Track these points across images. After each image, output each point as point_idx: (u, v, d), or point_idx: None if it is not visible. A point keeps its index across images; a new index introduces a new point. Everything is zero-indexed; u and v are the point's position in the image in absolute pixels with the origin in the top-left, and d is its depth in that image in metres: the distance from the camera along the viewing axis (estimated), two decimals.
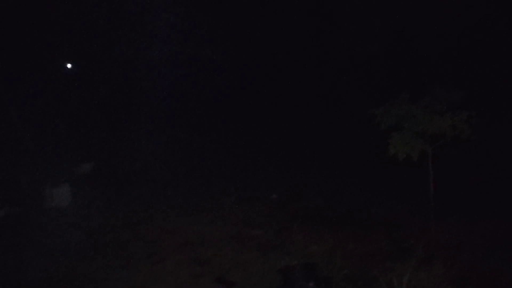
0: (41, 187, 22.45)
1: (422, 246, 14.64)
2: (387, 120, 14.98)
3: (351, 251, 15.80)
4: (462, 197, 18.30)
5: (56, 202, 21.82)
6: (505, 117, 23.64)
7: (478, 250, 14.50)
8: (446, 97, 14.59)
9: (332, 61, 31.87)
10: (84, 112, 30.54)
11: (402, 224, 17.29)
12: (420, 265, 13.14)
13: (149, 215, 20.61)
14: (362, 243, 16.36)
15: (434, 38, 25.64)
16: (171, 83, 32.86)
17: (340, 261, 14.75)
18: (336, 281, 12.80)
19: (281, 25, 32.99)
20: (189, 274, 14.51)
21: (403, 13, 27.63)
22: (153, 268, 15.17)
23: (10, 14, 27.63)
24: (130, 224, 19.56)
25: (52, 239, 18.10)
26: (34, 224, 19.95)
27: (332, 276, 13.23)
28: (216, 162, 27.30)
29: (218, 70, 33.56)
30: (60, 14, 30.10)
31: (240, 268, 14.73)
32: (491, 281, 12.39)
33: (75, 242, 17.67)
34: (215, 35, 33.98)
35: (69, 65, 32.62)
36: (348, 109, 28.45)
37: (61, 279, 14.52)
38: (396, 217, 18.23)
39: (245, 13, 33.94)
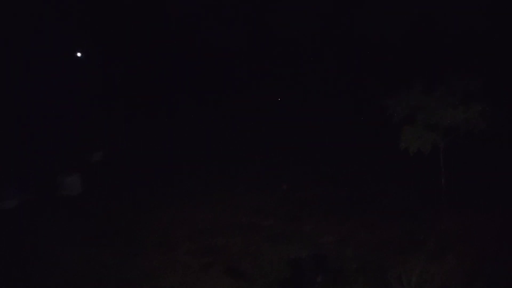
0: (53, 175, 22.61)
1: (434, 238, 14.45)
2: (400, 112, 14.69)
3: (362, 241, 15.65)
4: (473, 189, 17.94)
5: (68, 190, 21.99)
6: None
7: (489, 243, 14.27)
8: (461, 87, 14.15)
9: (344, 48, 31.17)
10: (96, 100, 30.53)
11: (414, 214, 17.06)
12: (432, 259, 12.96)
13: (161, 203, 20.62)
14: (374, 232, 16.20)
15: (449, 23, 24.66)
16: (185, 71, 32.78)
17: (351, 251, 14.66)
18: (346, 274, 12.70)
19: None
20: (199, 264, 14.56)
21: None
22: (164, 257, 15.23)
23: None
24: (142, 212, 19.61)
25: (65, 227, 18.25)
26: (47, 212, 20.11)
27: (342, 268, 13.14)
28: (227, 151, 27.12)
29: (231, 62, 33.29)
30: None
31: (250, 258, 14.74)
32: (504, 276, 12.17)
33: (87, 230, 17.81)
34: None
35: (79, 54, 32.53)
36: (362, 95, 27.96)
37: (74, 264, 14.72)
38: (407, 207, 17.98)
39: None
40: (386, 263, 12.79)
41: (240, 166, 25.12)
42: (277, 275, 13.36)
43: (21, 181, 22.09)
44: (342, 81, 30.49)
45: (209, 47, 33.86)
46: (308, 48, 32.77)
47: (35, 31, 29.39)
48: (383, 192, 19.95)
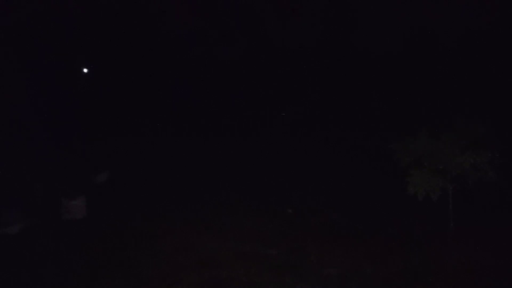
0: (57, 198, 22.50)
1: (440, 276, 14.27)
2: (407, 157, 14.62)
3: (367, 275, 15.51)
4: (482, 226, 17.74)
5: (72, 214, 21.89)
6: None
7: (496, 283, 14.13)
8: (468, 131, 13.93)
9: (358, 82, 30.96)
10: (101, 120, 30.41)
11: (420, 248, 16.91)
12: None
13: (164, 230, 20.45)
14: (379, 266, 16.06)
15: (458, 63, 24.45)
16: (189, 90, 32.72)
17: (355, 286, 14.55)
18: None
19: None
20: None
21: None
22: None
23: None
24: (145, 240, 19.42)
25: (67, 255, 18.11)
26: (50, 237, 19.98)
27: None
28: (232, 174, 26.92)
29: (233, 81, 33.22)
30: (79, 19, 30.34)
31: None
32: None
33: (90, 260, 17.67)
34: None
35: (85, 70, 32.39)
36: (370, 126, 27.78)
37: None
38: (413, 240, 17.82)
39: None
40: None
41: (244, 189, 24.97)
42: None
43: (25, 205, 22.00)
44: (350, 112, 30.33)
45: (212, 63, 33.91)
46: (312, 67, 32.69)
47: (38, 49, 29.38)
48: (387, 222, 19.83)
